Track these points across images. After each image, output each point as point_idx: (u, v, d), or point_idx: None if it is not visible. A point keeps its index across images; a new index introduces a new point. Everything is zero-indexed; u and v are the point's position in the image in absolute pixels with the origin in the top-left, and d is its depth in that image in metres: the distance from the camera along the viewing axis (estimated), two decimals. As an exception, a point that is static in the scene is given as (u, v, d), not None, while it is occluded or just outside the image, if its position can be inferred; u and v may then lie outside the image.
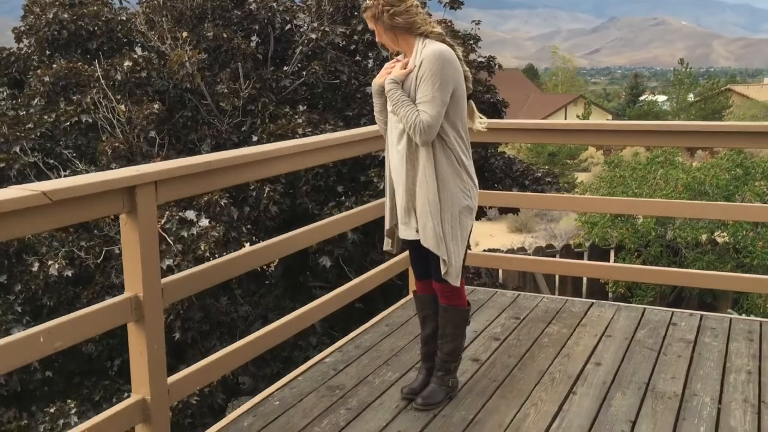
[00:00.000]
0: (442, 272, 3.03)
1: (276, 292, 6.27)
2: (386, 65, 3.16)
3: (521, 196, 6.64)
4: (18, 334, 2.28)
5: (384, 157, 3.52)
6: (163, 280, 2.74)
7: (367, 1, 3.03)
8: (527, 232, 20.57)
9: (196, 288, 3.04)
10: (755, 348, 3.78)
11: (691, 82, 55.38)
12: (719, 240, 11.14)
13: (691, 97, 53.64)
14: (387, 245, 3.36)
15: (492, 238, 20.27)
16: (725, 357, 3.68)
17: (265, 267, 7.09)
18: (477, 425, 3.04)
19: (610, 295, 11.48)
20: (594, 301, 4.66)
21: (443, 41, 3.01)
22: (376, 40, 3.18)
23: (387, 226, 3.30)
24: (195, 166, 2.77)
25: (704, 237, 11.17)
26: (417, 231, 3.05)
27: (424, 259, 3.20)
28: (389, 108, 3.04)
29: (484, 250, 13.44)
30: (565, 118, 44.23)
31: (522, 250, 13.03)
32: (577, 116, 37.81)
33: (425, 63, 2.89)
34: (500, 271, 11.70)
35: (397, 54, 3.20)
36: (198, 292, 3.27)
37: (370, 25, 3.06)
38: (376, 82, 3.14)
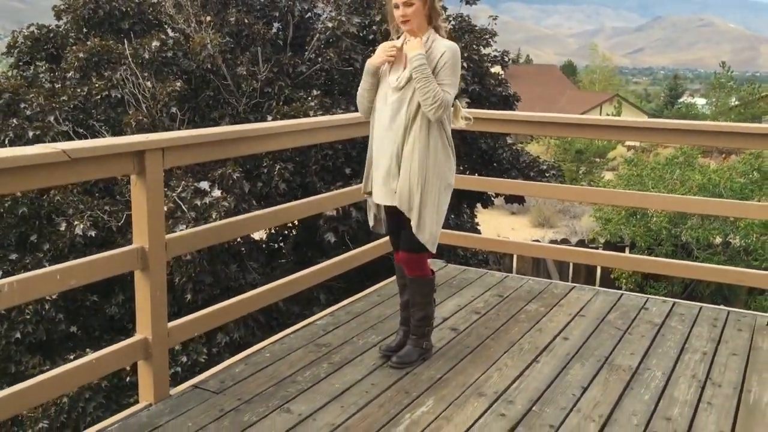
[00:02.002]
0: (415, 230, 3.28)
1: (286, 266, 6.65)
2: (383, 47, 3.36)
3: (528, 185, 6.92)
4: (38, 270, 2.67)
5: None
6: (168, 236, 3.11)
7: None
8: (549, 227, 20.68)
9: (197, 245, 3.43)
10: (716, 333, 4.04)
11: (733, 86, 54.62)
12: (732, 242, 11.24)
13: (733, 101, 52.83)
14: (373, 220, 3.62)
15: (513, 231, 20.44)
16: (686, 339, 3.94)
17: (277, 244, 7.51)
18: (442, 383, 3.36)
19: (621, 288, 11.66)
20: (576, 284, 4.94)
21: (450, 38, 3.38)
22: (403, 14, 3.22)
23: (372, 201, 3.54)
24: (197, 137, 3.15)
25: (718, 239, 11.30)
26: (395, 194, 3.31)
27: (397, 228, 3.52)
28: (400, 81, 3.25)
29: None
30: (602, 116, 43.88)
31: (537, 242, 13.23)
32: (607, 115, 37.59)
33: (448, 53, 3.25)
34: (514, 261, 12.00)
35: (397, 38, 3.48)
36: (199, 248, 3.65)
37: None
38: (374, 63, 3.36)
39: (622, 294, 4.73)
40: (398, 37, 3.46)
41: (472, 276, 5.06)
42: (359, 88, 3.46)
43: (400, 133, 3.28)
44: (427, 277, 3.50)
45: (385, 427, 2.95)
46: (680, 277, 9.91)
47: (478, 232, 9.03)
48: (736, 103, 53.45)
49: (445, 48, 3.26)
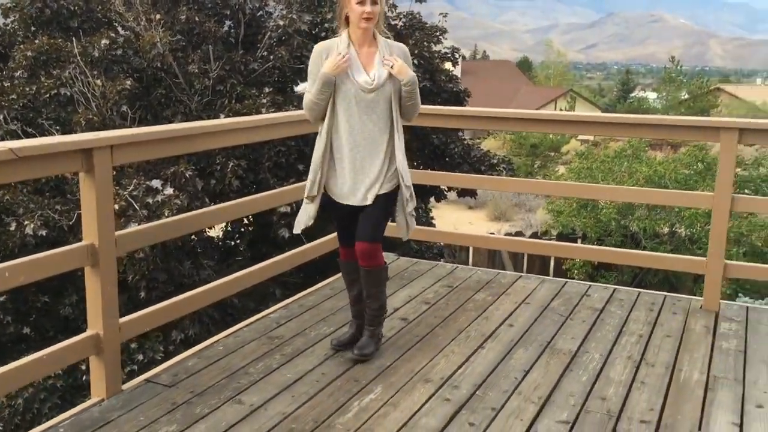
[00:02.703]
0: (409, 229, 3.55)
1: (242, 263, 6.70)
2: (336, 59, 3.34)
3: (479, 178, 7.09)
4: (-15, 268, 2.70)
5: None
6: (117, 233, 3.16)
7: None
8: (505, 220, 21.02)
9: (148, 241, 3.48)
10: (653, 317, 4.24)
11: (683, 80, 56.12)
12: (678, 232, 11.63)
13: (684, 94, 54.30)
14: (301, 226, 3.57)
15: (471, 225, 20.71)
16: (624, 323, 4.13)
17: (233, 241, 7.55)
18: (391, 370, 3.48)
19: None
20: (522, 274, 5.11)
21: (397, 36, 3.56)
22: (370, 11, 3.29)
23: (315, 206, 3.50)
24: (146, 135, 3.20)
25: (666, 229, 11.68)
26: (367, 196, 3.43)
27: (354, 226, 3.61)
28: (377, 82, 3.35)
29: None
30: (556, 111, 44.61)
31: (491, 234, 13.46)
32: (561, 110, 38.26)
33: (408, 56, 3.51)
34: (470, 255, 12.21)
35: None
36: (150, 244, 3.69)
37: None
38: (329, 72, 3.32)
39: (566, 282, 4.91)
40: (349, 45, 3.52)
41: (424, 268, 5.19)
42: (312, 98, 3.40)
43: (386, 131, 3.41)
44: (382, 266, 3.59)
45: (334, 414, 3.05)
46: (624, 265, 10.23)
47: (433, 225, 9.21)
48: (686, 96, 55.02)
49: (406, 54, 3.49)
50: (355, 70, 3.40)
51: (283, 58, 6.21)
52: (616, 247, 11.61)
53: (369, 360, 3.57)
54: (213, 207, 4.08)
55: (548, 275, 12.18)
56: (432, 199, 8.21)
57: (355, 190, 3.45)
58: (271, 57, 6.26)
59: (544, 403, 3.17)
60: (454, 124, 5.92)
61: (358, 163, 3.42)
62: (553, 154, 27.88)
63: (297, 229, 3.61)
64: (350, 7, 3.36)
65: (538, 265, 12.43)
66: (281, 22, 6.21)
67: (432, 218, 9.04)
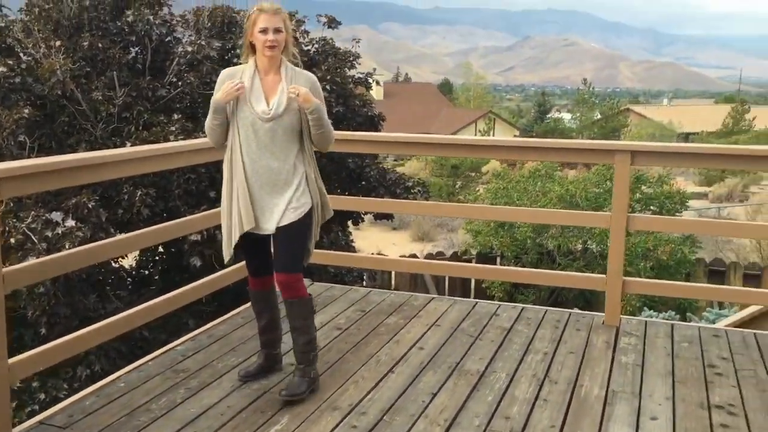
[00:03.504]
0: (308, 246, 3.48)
1: (154, 293, 6.51)
2: (228, 86, 3.31)
3: (395, 203, 7.16)
4: None
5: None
6: (5, 269, 3.02)
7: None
8: (428, 241, 21.27)
9: (40, 276, 3.33)
10: (558, 334, 4.36)
11: (595, 101, 58.62)
12: (590, 248, 12.05)
13: (596, 115, 56.69)
14: (228, 255, 3.50)
15: (395, 246, 20.83)
16: (530, 341, 4.23)
17: (146, 270, 7.34)
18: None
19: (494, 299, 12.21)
20: (435, 296, 5.17)
21: (305, 63, 3.52)
22: (273, 39, 3.29)
23: (236, 234, 3.41)
24: (36, 166, 3.08)
25: (579, 246, 12.09)
26: (268, 227, 3.37)
27: (266, 257, 3.57)
28: (275, 111, 3.30)
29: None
30: (475, 133, 45.67)
31: (413, 256, 13.60)
32: (479, 131, 39.23)
33: (317, 87, 3.43)
34: (392, 277, 12.26)
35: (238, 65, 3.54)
36: (44, 280, 3.54)
37: (279, 26, 3.30)
38: (220, 99, 3.32)
39: (476, 302, 4.99)
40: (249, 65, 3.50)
41: (337, 293, 5.18)
42: (208, 123, 3.41)
43: (286, 161, 3.35)
44: (306, 297, 3.50)
45: (239, 447, 3.00)
46: (533, 283, 10.49)
47: (353, 249, 9.22)
48: (599, 117, 57.38)
49: (312, 82, 3.42)
50: (255, 98, 3.37)
51: (192, 84, 6.12)
52: (533, 264, 12.01)
53: (274, 389, 3.51)
54: (116, 238, 3.96)
55: (469, 295, 12.41)
56: (350, 222, 8.23)
57: (267, 216, 3.40)
58: (180, 83, 6.17)
59: (449, 426, 3.20)
60: (364, 149, 5.97)
61: (257, 193, 3.39)
62: (473, 174, 28.46)
63: (226, 259, 3.54)
64: (254, 35, 3.35)
65: (460, 285, 12.62)
66: (189, 48, 6.14)
67: (352, 241, 9.05)
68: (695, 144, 4.70)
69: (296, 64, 3.54)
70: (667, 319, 6.81)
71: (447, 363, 3.90)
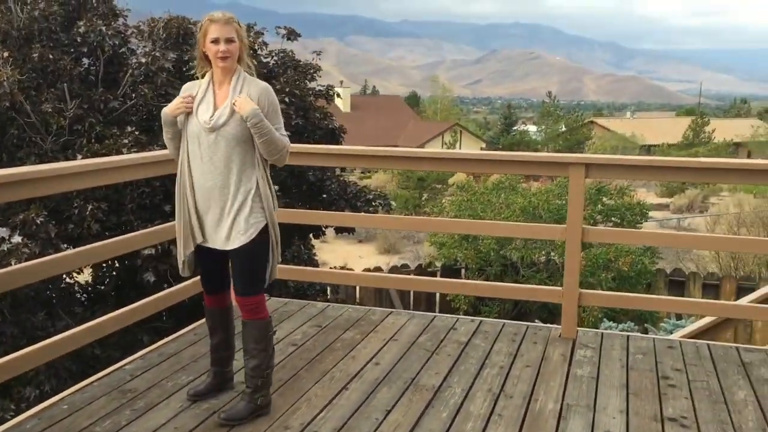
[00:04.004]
0: (269, 267, 3.33)
1: (109, 310, 6.35)
2: (178, 99, 3.29)
3: (355, 216, 7.11)
4: None
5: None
6: (-62, 288, 2.90)
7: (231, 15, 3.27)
8: (395, 253, 21.24)
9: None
10: (514, 347, 4.34)
11: (560, 114, 59.48)
12: (552, 259, 12.12)
13: (563, 127, 57.52)
14: (186, 270, 3.44)
15: (361, 259, 20.76)
16: (487, 355, 4.20)
17: (103, 286, 7.16)
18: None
19: (460, 312, 12.20)
20: (393, 310, 5.12)
21: (261, 74, 3.39)
22: (225, 50, 3.19)
23: (189, 248, 3.36)
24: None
25: (543, 258, 12.16)
26: (218, 241, 3.27)
27: (220, 273, 3.48)
28: (215, 121, 3.19)
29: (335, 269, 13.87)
30: (442, 146, 45.90)
31: (378, 269, 13.54)
32: (446, 144, 39.43)
33: (268, 96, 3.25)
34: (357, 290, 12.17)
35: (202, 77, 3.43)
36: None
37: (232, 35, 3.20)
38: (168, 112, 3.28)
39: (435, 316, 4.96)
40: (203, 75, 3.42)
41: (294, 308, 5.10)
42: (163, 135, 3.39)
43: (229, 174, 3.21)
44: (265, 320, 3.38)
45: (184, 470, 2.90)
46: (493, 297, 10.50)
47: (316, 262, 9.13)
48: (564, 129, 58.23)
49: (262, 90, 3.25)
50: (202, 110, 3.29)
51: (147, 96, 6.00)
52: (497, 276, 12.04)
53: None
54: (62, 254, 3.84)
55: (434, 308, 12.38)
56: (311, 236, 8.15)
57: (216, 233, 3.31)
58: (134, 95, 6.04)
59: (402, 443, 3.15)
60: (322, 163, 5.91)
61: (203, 208, 3.31)
62: (440, 186, 28.54)
63: (182, 273, 3.46)
64: (206, 46, 3.27)
65: (425, 298, 12.58)
66: (144, 60, 6.02)
67: (314, 255, 8.97)
68: (648, 157, 4.76)
69: (252, 75, 3.46)
70: (624, 331, 6.86)
71: (402, 378, 3.85)
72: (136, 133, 5.76)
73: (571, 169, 4.23)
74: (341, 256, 20.61)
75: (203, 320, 4.74)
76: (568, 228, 4.33)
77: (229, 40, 3.21)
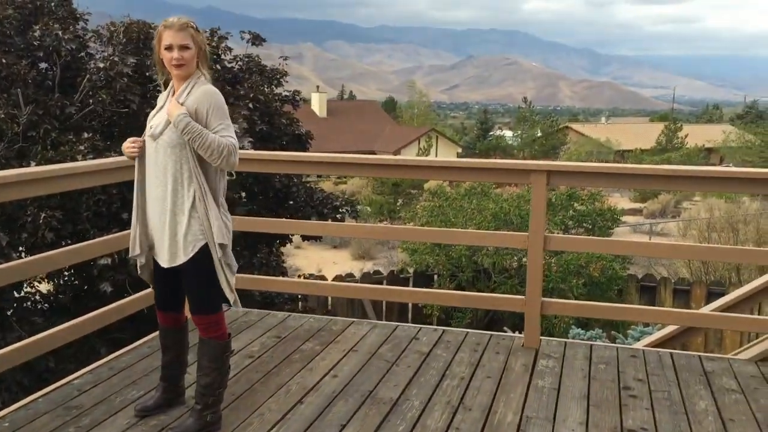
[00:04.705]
0: (223, 284, 3.14)
1: (67, 319, 6.18)
2: (128, 145, 3.20)
3: (320, 225, 7.02)
4: None
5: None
6: None
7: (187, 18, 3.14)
8: (369, 258, 21.15)
9: None
10: (476, 357, 4.26)
11: (536, 119, 59.89)
12: (525, 265, 12.09)
13: (538, 133, 57.90)
14: (144, 273, 3.34)
15: (335, 265, 20.65)
16: (448, 366, 4.12)
17: (63, 294, 6.98)
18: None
19: (433, 320, 12.12)
20: (355, 320, 5.02)
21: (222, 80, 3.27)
22: (178, 57, 3.08)
23: (134, 251, 3.28)
24: None
25: (515, 264, 12.14)
26: (167, 257, 3.14)
27: (172, 291, 3.34)
28: (154, 130, 3.09)
29: (304, 277, 13.75)
30: (418, 151, 45.92)
31: (350, 276, 13.42)
32: (420, 149, 39.43)
33: (207, 98, 3.08)
34: (329, 299, 12.03)
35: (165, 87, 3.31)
36: None
37: (186, 42, 3.07)
38: (125, 154, 3.23)
39: (397, 326, 4.87)
40: (165, 82, 3.31)
41: (254, 318, 4.99)
42: None
43: (168, 184, 3.08)
44: (222, 340, 3.24)
45: (125, 492, 2.78)
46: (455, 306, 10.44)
47: (285, 270, 9.00)
48: (539, 134, 58.62)
49: (202, 94, 3.10)
50: (153, 120, 3.23)
51: (105, 102, 5.84)
52: (469, 282, 12.00)
53: (173, 425, 3.29)
54: (13, 263, 3.70)
55: (407, 315, 12.28)
56: (278, 242, 8.03)
57: (160, 248, 3.19)
58: (91, 101, 5.88)
59: (355, 460, 3.05)
60: (283, 169, 5.81)
61: (151, 220, 3.21)
62: (415, 191, 28.50)
63: (141, 273, 3.36)
64: (161, 52, 3.17)
65: (397, 307, 12.46)
66: (102, 65, 5.87)
67: (283, 261, 8.84)
68: (610, 164, 4.74)
69: (207, 82, 3.34)
70: (592, 338, 6.82)
71: (360, 391, 3.76)
72: (95, 139, 5.59)
73: (533, 176, 4.17)
74: (315, 261, 20.47)
75: (157, 333, 4.62)
76: (530, 236, 4.26)
77: (183, 47, 3.09)
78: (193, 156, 3.08)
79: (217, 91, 3.20)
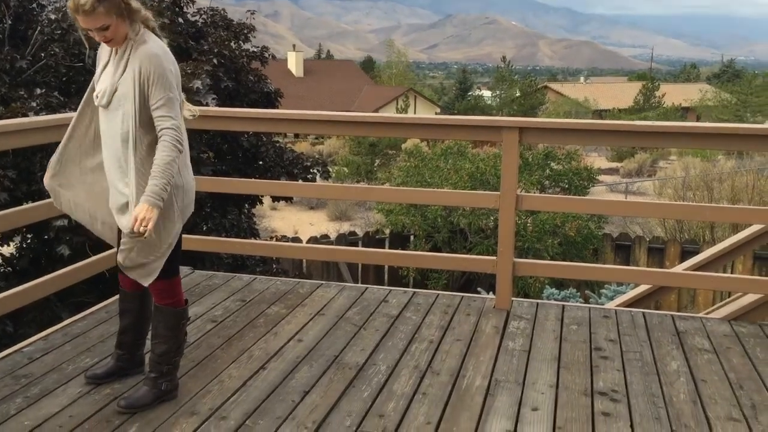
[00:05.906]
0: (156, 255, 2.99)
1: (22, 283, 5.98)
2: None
3: (288, 185, 6.82)
4: None
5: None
6: None
7: None
8: (346, 220, 20.99)
9: None
10: (446, 320, 4.15)
11: (514, 79, 59.50)
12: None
13: (517, 92, 57.58)
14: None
15: (312, 227, 20.47)
16: (417, 329, 4.01)
17: (26, 258, 6.75)
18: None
19: (409, 281, 12.06)
20: (323, 282, 4.88)
21: (154, 32, 2.98)
22: (102, 38, 2.84)
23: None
24: None
25: (492, 223, 12.05)
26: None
27: None
28: (101, 97, 2.91)
29: (277, 238, 13.59)
30: (396, 110, 45.50)
31: (325, 237, 13.27)
32: (398, 108, 39.07)
33: (147, 66, 2.81)
34: (303, 262, 11.88)
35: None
36: None
37: (101, 23, 2.77)
38: None
39: (366, 288, 4.73)
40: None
41: (218, 282, 4.83)
42: None
43: (121, 147, 2.92)
44: (178, 307, 3.10)
45: (73, 465, 2.64)
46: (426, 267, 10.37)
47: (256, 231, 8.82)
48: (518, 94, 58.35)
49: (143, 58, 2.83)
50: (103, 75, 3.02)
51: (58, 56, 5.55)
52: (445, 243, 11.91)
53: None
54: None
55: (383, 278, 12.19)
56: (247, 205, 7.82)
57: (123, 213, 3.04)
58: (44, 54, 5.59)
59: (317, 427, 2.93)
60: (249, 127, 5.58)
61: (116, 189, 3.05)
62: (392, 152, 28.23)
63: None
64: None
65: (374, 269, 12.37)
66: (54, 16, 5.56)
67: (255, 224, 8.65)
68: (583, 120, 4.59)
69: (158, 35, 3.07)
70: (565, 298, 6.77)
71: (325, 356, 3.63)
72: (49, 95, 5.31)
73: (505, 133, 4.01)
74: (291, 223, 20.28)
75: (116, 297, 4.45)
76: (501, 195, 4.12)
77: (102, 29, 2.80)
78: (136, 120, 2.89)
79: (160, 50, 2.88)
